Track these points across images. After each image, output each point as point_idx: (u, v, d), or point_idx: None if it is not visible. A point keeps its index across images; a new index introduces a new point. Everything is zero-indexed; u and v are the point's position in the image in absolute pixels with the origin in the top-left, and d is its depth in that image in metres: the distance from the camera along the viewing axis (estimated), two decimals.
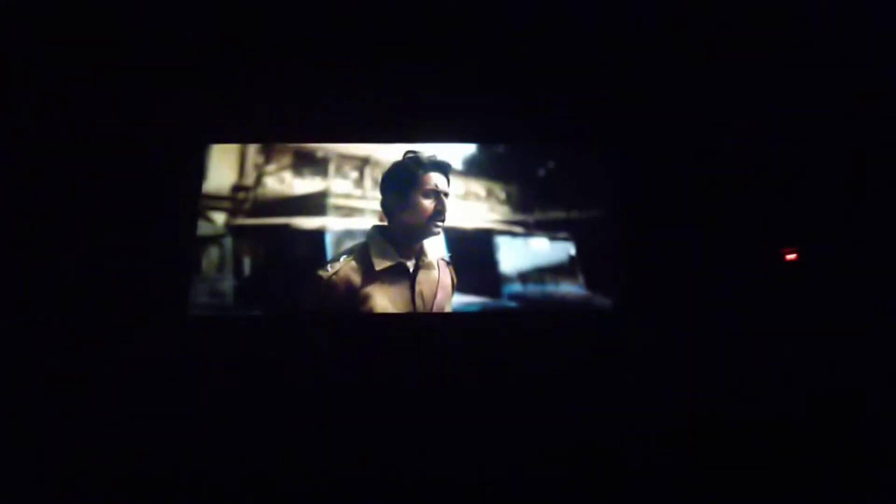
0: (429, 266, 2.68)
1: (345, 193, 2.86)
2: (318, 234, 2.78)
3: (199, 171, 2.86)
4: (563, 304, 2.78)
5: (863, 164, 2.78)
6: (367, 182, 2.88)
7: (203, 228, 2.75)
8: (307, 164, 2.90)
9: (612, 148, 3.04)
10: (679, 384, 2.45)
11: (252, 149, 2.91)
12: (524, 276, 2.81)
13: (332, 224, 2.79)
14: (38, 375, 2.38)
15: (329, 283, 2.57)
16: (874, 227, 2.70)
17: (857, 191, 2.74)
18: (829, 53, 2.81)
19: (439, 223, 2.70)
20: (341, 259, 2.63)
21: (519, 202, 2.94)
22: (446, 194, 2.74)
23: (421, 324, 2.64)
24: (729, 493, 2.12)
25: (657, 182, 2.90)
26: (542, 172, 3.02)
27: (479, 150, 3.01)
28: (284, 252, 2.75)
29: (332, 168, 2.90)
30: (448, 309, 2.67)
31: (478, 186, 2.94)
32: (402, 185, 2.73)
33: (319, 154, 2.91)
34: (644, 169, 2.94)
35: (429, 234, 2.69)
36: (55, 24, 2.64)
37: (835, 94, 2.86)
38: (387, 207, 2.74)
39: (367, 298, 2.57)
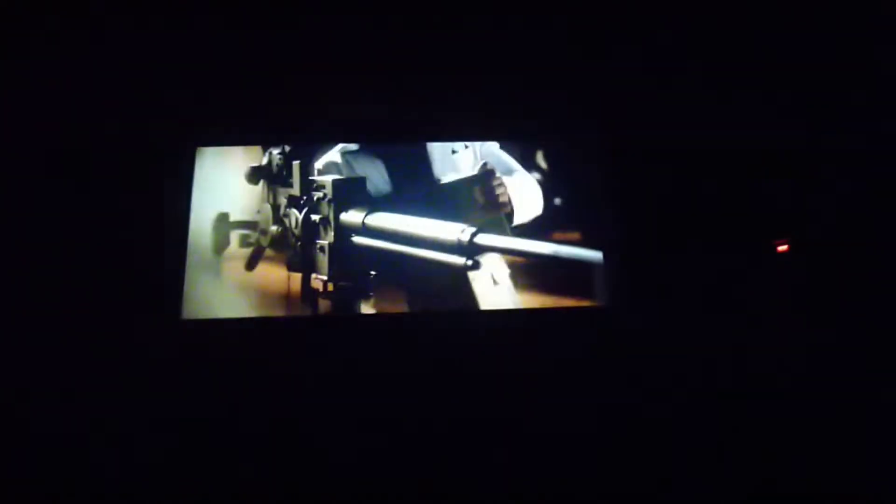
0: None
1: None
2: None
3: (189, 174, 2.95)
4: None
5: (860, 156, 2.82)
6: None
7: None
8: None
9: (607, 144, 3.09)
10: (677, 384, 2.47)
11: None
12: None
13: None
14: (29, 380, 2.38)
15: None
16: (871, 216, 2.72)
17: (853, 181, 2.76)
18: (825, 47, 2.81)
19: None
20: None
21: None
22: None
23: (416, 323, 2.78)
24: (730, 492, 2.10)
25: (651, 177, 2.96)
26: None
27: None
28: None
29: None
30: None
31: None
32: None
33: None
34: (638, 164, 2.98)
35: None
36: (46, 26, 2.62)
37: (831, 87, 2.89)
38: None
39: None
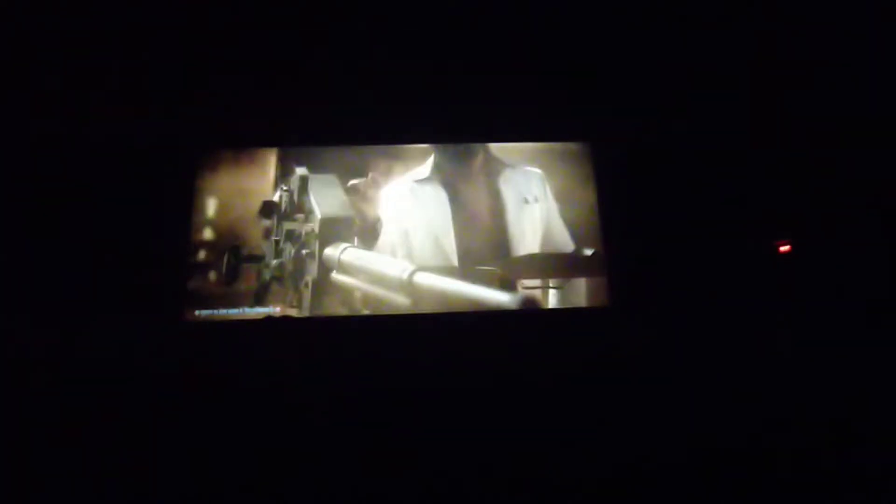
0: None
1: None
2: None
3: (193, 176, 3.11)
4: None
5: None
6: None
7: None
8: None
9: (604, 145, 3.08)
10: (676, 383, 2.41)
11: None
12: None
13: None
14: (33, 378, 2.45)
15: None
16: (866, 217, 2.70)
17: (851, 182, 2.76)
18: (822, 48, 2.71)
19: None
20: None
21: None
22: None
23: (415, 325, 2.81)
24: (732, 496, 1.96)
25: (649, 179, 2.95)
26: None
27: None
28: None
29: None
30: None
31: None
32: None
33: None
34: (636, 165, 2.97)
35: None
36: (48, 31, 2.57)
37: (828, 86, 2.82)
38: None
39: None
